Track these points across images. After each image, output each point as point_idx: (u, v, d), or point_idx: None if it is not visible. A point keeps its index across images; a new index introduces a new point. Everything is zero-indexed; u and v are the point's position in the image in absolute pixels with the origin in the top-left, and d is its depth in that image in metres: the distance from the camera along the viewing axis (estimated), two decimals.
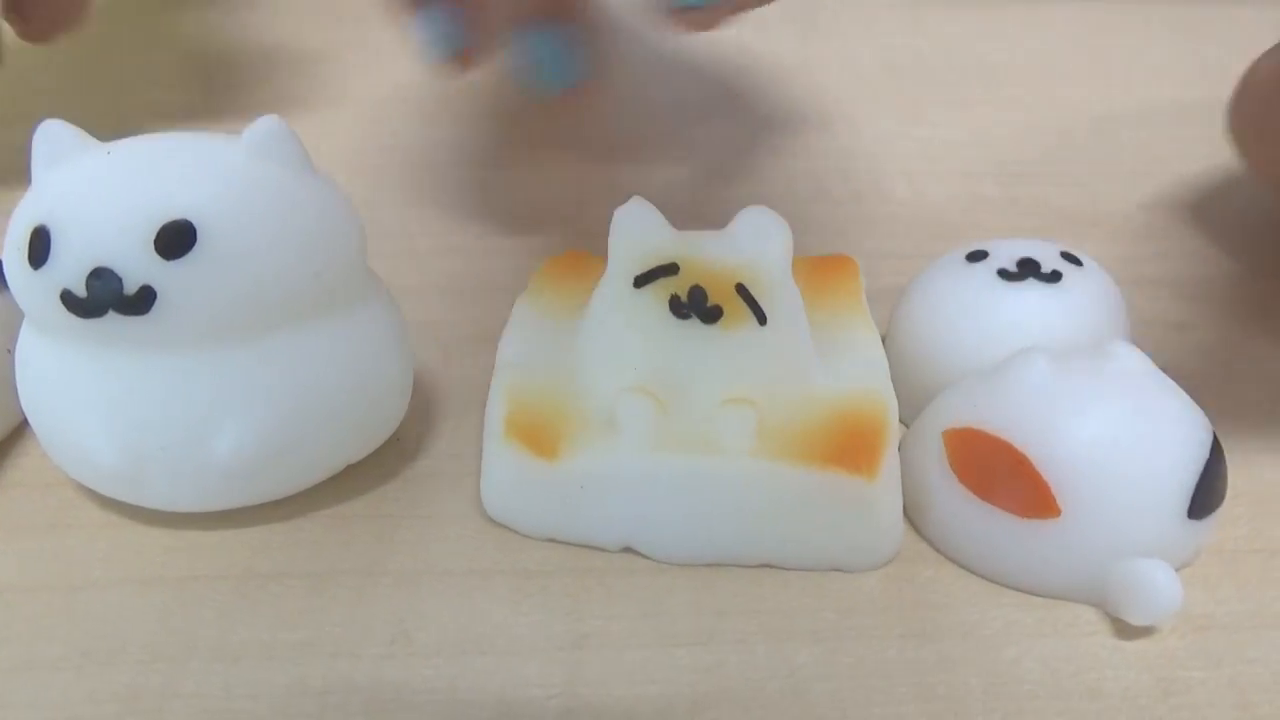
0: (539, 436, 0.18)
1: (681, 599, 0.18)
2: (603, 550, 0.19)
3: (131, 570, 0.18)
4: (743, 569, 0.19)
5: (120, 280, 0.16)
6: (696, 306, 0.18)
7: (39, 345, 0.18)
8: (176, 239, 0.16)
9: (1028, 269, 0.21)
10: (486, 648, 0.17)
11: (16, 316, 0.20)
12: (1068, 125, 0.39)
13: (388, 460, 0.20)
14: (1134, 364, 0.18)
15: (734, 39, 0.43)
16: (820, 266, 0.22)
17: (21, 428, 0.21)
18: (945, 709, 0.16)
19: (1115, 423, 0.17)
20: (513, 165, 0.31)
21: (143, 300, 0.16)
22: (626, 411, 0.18)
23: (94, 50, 0.26)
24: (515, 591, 0.18)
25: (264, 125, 0.17)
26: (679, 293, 0.18)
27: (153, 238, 0.16)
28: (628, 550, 0.19)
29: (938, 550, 0.19)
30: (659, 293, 0.18)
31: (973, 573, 0.19)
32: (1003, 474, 0.18)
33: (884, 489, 0.18)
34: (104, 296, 0.16)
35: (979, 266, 0.21)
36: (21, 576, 0.18)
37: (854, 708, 0.16)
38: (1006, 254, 0.21)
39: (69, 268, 0.16)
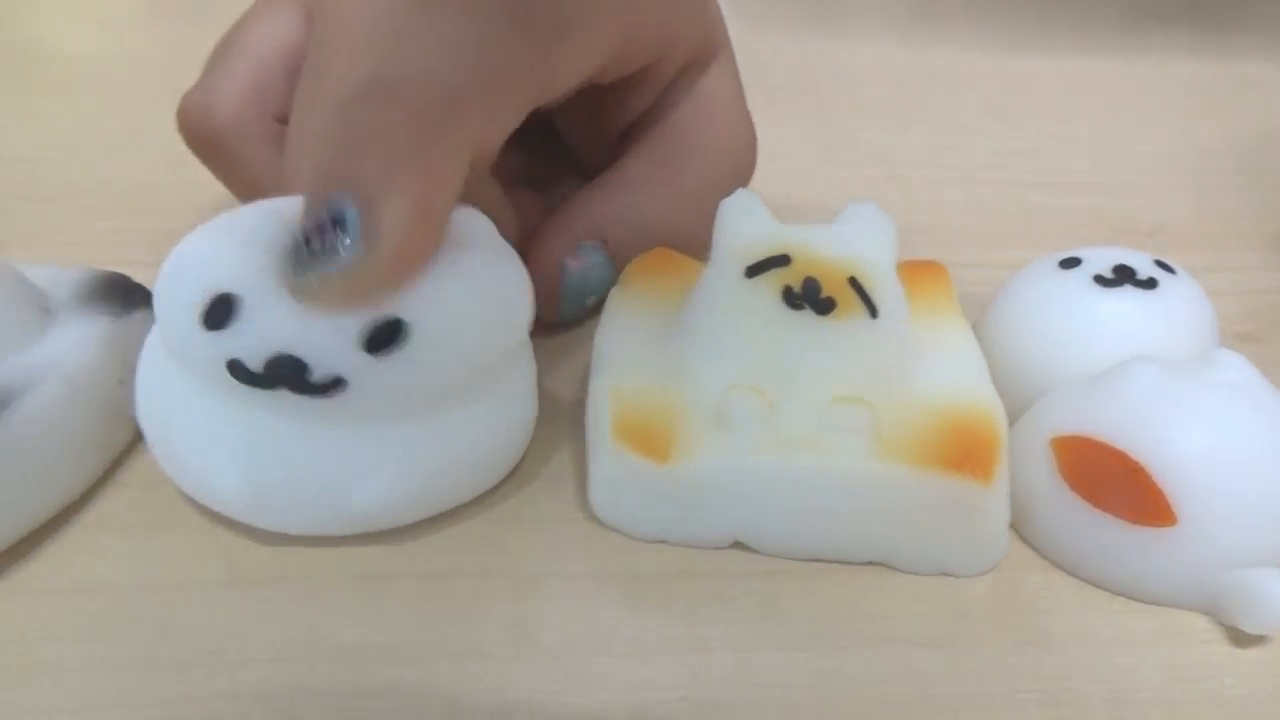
0: (649, 439, 0.18)
1: (794, 603, 0.18)
2: (711, 549, 0.19)
3: (245, 570, 0.18)
4: (850, 571, 0.19)
5: (307, 369, 0.15)
6: (810, 297, 0.18)
7: (173, 377, 0.17)
8: (386, 337, 0.16)
9: (1124, 275, 0.21)
10: (609, 650, 0.17)
11: (129, 345, 0.20)
12: (1113, 135, 0.39)
13: None
14: (1243, 373, 0.19)
15: (772, 49, 0.44)
16: (910, 271, 0.22)
17: None
18: (1071, 715, 0.16)
19: (1231, 432, 0.18)
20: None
21: (330, 387, 0.16)
22: (738, 411, 0.18)
23: None
24: (630, 594, 0.18)
25: (462, 212, 0.18)
26: (792, 284, 0.18)
27: (363, 335, 0.16)
28: (736, 545, 0.19)
29: (1042, 556, 0.19)
30: (771, 283, 0.19)
31: (1079, 579, 0.19)
32: (1117, 482, 0.18)
33: (998, 495, 0.18)
34: (282, 377, 0.15)
35: (1074, 273, 0.21)
36: (137, 575, 0.18)
37: (981, 713, 0.16)
38: (1100, 261, 0.22)
39: (249, 345, 0.16)
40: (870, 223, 0.19)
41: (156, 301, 0.17)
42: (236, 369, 0.16)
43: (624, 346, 0.20)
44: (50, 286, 0.20)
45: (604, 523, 0.19)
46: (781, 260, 0.19)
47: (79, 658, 0.16)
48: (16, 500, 0.17)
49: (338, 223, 0.16)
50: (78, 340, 0.19)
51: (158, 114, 0.36)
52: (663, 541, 0.19)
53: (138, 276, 0.21)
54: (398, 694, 0.16)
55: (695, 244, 0.25)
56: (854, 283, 0.19)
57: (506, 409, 0.19)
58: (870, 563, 0.19)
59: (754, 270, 0.19)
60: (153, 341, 0.18)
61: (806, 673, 0.17)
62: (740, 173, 0.27)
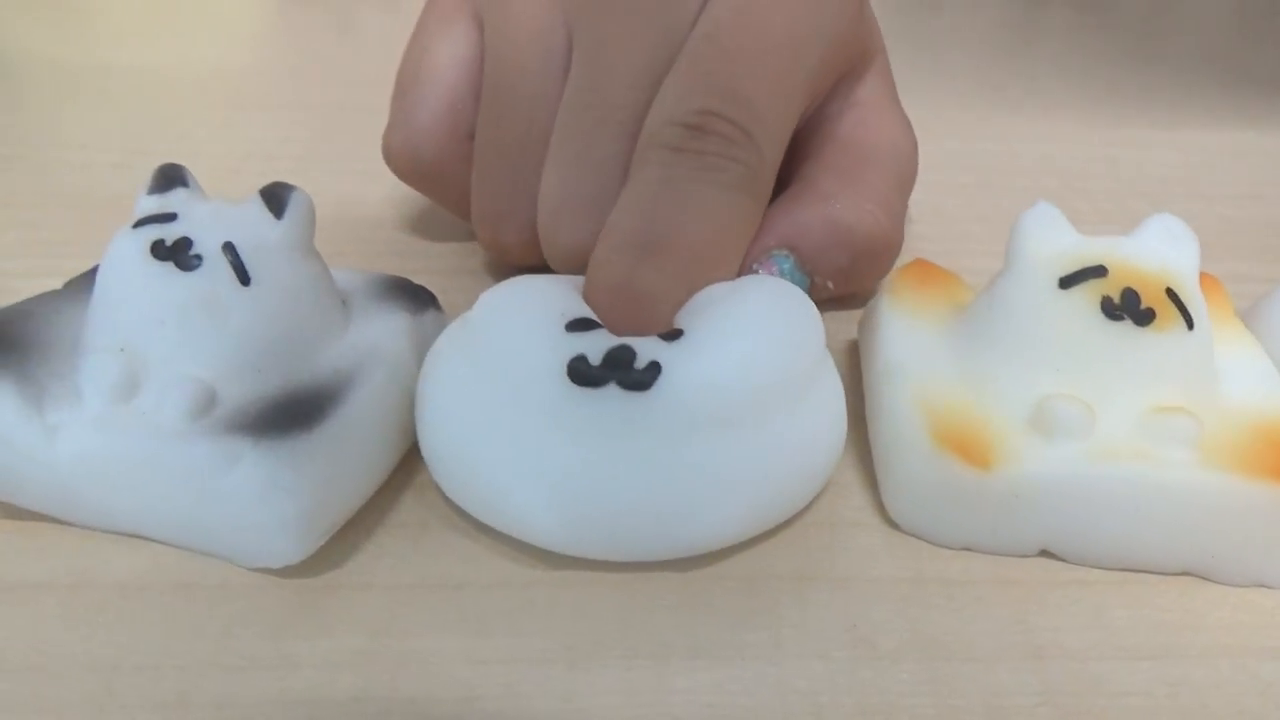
0: (969, 446, 0.18)
1: (1118, 613, 0.18)
2: (1018, 557, 0.19)
3: (531, 566, 0.18)
4: (1164, 581, 0.19)
5: (634, 354, 0.17)
6: (1130, 308, 0.18)
7: (470, 403, 0.18)
8: (675, 334, 0.18)
9: None
10: (949, 654, 0.17)
11: (424, 341, 0.20)
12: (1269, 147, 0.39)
13: None
14: None
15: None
16: None
17: None
18: None
19: None
20: None
21: (649, 377, 0.17)
22: (1062, 420, 0.18)
23: None
24: (950, 600, 0.18)
25: None
26: (1111, 294, 0.18)
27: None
28: (1043, 553, 0.19)
29: None
30: (1089, 294, 0.19)
31: None
32: None
33: None
34: (615, 365, 0.17)
35: None
36: (427, 575, 0.18)
37: None
38: None
39: (596, 342, 0.17)
40: (1175, 233, 0.19)
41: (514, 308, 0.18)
42: (578, 365, 0.17)
43: (914, 355, 0.20)
44: (339, 284, 0.21)
45: (904, 529, 0.19)
46: (1099, 271, 0.19)
47: (446, 650, 0.16)
48: (352, 480, 0.18)
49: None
50: (386, 331, 0.20)
51: (337, 125, 0.37)
52: (967, 549, 0.19)
53: None
54: (761, 692, 0.16)
55: (884, 249, 0.25)
56: (1171, 294, 0.19)
57: (822, 417, 0.19)
58: (1182, 573, 0.19)
59: (1069, 281, 0.19)
60: (439, 372, 0.18)
61: (1153, 682, 0.17)
62: (906, 178, 0.27)
